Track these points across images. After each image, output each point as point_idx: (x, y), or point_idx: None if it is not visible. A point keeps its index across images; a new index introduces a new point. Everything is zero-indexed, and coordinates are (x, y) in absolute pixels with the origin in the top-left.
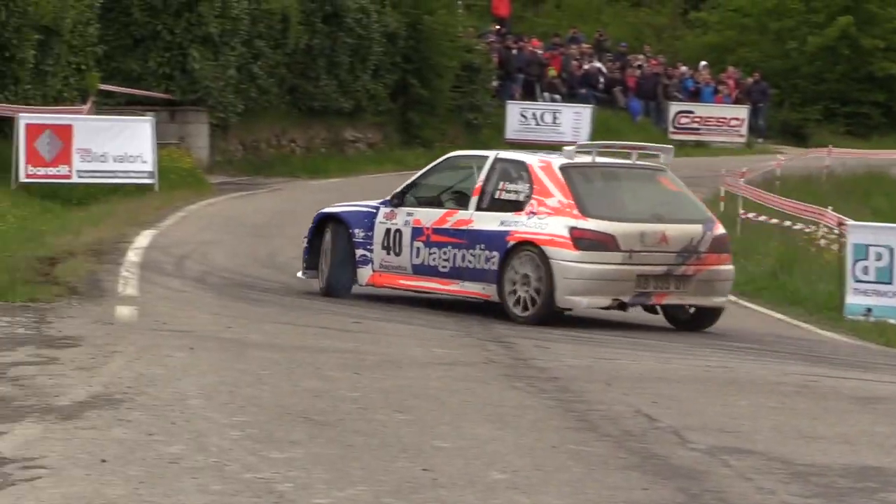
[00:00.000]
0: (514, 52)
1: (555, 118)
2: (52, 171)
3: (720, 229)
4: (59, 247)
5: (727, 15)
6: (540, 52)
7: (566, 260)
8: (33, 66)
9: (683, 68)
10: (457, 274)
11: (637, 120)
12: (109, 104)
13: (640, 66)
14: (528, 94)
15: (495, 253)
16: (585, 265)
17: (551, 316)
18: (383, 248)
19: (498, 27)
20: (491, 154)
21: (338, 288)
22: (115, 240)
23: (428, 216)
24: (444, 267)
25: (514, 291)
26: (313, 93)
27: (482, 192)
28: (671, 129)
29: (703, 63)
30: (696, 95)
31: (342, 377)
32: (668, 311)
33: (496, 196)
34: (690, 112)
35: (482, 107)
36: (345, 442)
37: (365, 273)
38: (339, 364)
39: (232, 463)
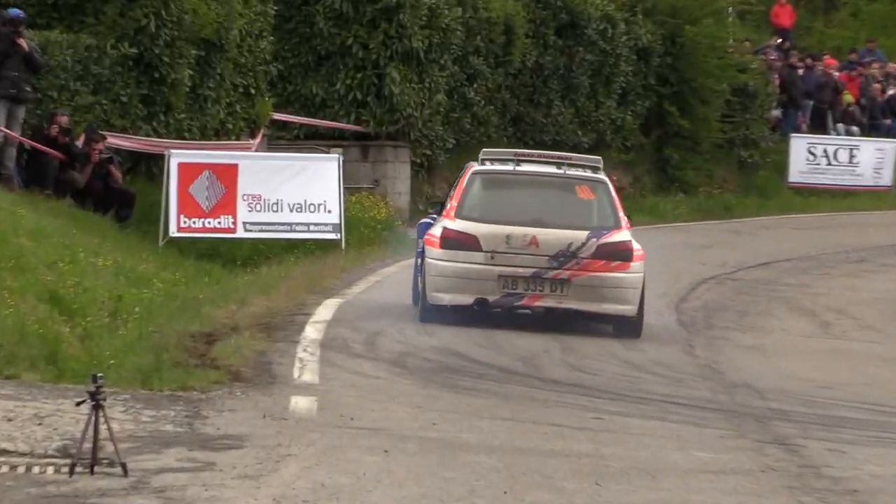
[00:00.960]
0: (801, 71)
1: (851, 156)
2: (211, 222)
3: (616, 237)
4: (219, 319)
5: None
6: (834, 72)
7: (434, 258)
8: (189, 90)
9: None
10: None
11: None
12: (285, 138)
13: None
14: (818, 126)
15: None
16: (448, 263)
17: (432, 313)
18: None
19: (780, 40)
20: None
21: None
22: (289, 311)
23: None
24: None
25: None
26: (543, 123)
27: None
28: None
29: None
30: None
31: (579, 489)
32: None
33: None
34: None
35: (758, 141)
36: None
37: None
38: (574, 471)
39: None
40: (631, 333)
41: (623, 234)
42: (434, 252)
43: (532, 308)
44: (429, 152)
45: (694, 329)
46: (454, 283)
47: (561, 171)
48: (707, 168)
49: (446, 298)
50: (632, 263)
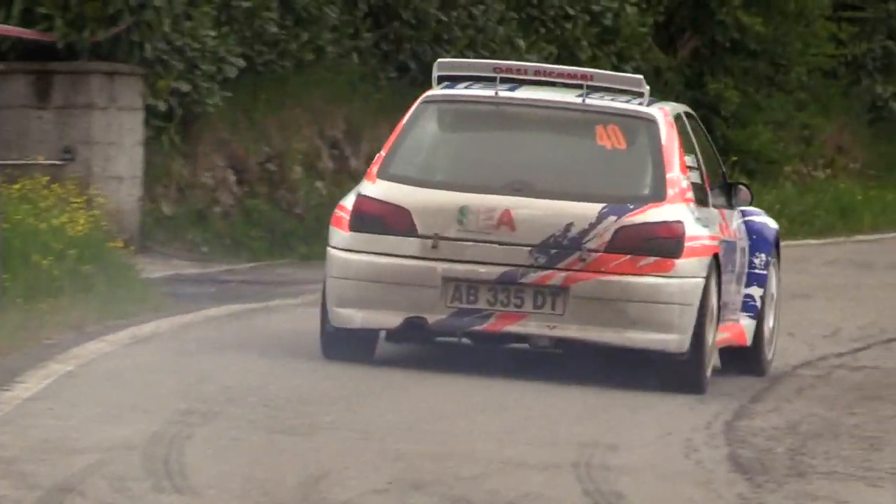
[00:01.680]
0: None
1: None
2: None
3: (652, 214)
4: None
5: None
6: None
7: (336, 246)
8: None
9: None
10: None
11: None
12: None
13: None
14: None
15: None
16: (356, 255)
17: (339, 343)
18: None
19: None
20: None
21: None
22: None
23: None
24: None
25: None
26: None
27: None
28: None
29: None
30: None
31: None
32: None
33: None
34: None
35: None
36: None
37: None
38: None
39: None
40: (682, 386)
41: (667, 210)
42: (339, 237)
43: (500, 335)
44: (188, 88)
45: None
46: (369, 290)
47: (578, 101)
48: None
49: (358, 318)
50: (679, 261)
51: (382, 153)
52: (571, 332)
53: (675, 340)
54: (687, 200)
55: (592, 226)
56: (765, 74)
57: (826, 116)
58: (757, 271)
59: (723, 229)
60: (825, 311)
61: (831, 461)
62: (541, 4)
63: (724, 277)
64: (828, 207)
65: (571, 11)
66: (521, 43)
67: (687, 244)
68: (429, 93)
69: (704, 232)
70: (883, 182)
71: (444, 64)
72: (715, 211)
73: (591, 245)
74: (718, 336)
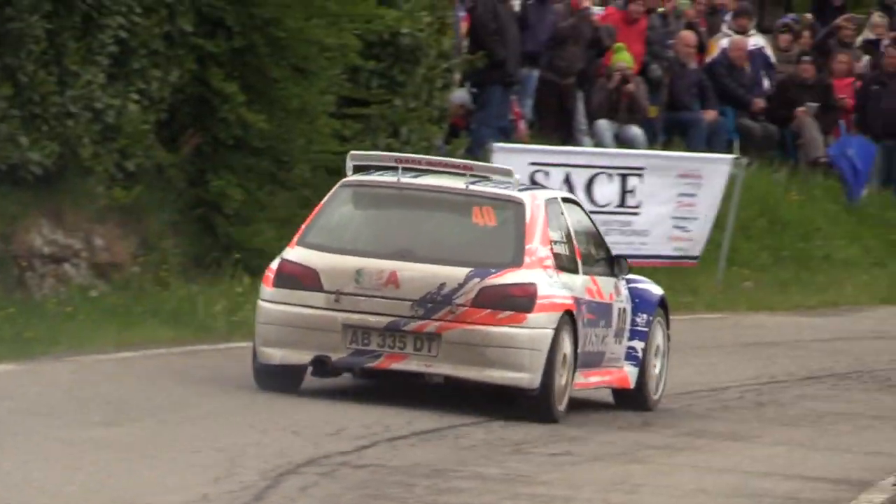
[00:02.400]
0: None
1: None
2: None
3: (509, 277)
4: None
5: None
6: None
7: (264, 299)
8: None
9: None
10: None
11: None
12: None
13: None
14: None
15: None
16: (277, 306)
17: (267, 376)
18: None
19: None
20: None
21: None
22: None
23: None
24: None
25: None
26: None
27: None
28: None
29: None
30: None
31: None
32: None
33: None
34: None
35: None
36: None
37: None
38: None
39: None
40: (535, 416)
41: (522, 274)
42: (266, 292)
43: (388, 371)
44: None
45: None
46: (287, 333)
47: (463, 187)
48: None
49: (277, 356)
50: (530, 315)
51: (303, 227)
52: (445, 369)
53: (527, 378)
54: (545, 267)
55: (461, 285)
56: (268, 171)
57: None
58: (639, 328)
59: (591, 292)
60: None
61: None
62: (43, 102)
63: (591, 330)
64: None
65: (74, 109)
66: (24, 140)
67: (539, 301)
68: (346, 179)
69: (558, 292)
70: None
71: (356, 156)
72: (583, 277)
73: (459, 301)
74: (597, 378)
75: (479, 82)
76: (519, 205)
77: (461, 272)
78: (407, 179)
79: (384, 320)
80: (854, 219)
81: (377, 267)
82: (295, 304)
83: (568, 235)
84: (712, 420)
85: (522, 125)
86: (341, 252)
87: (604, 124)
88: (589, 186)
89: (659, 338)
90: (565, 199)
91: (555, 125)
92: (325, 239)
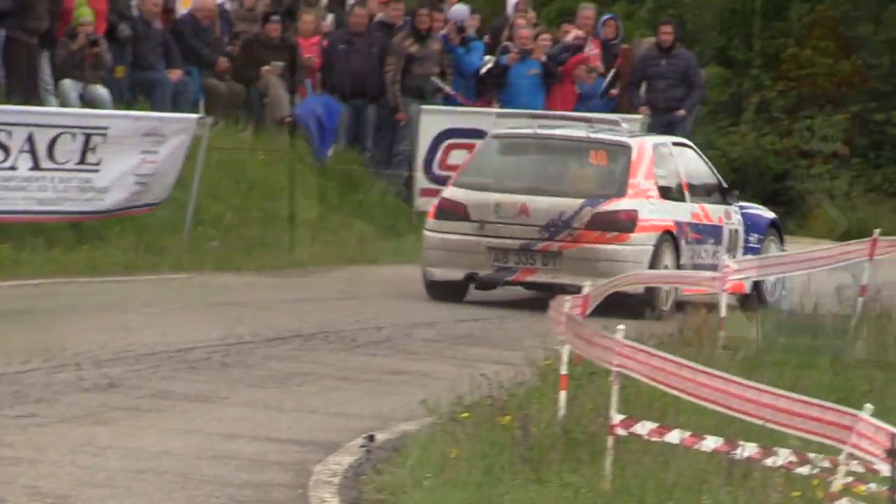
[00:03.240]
0: None
1: None
2: None
3: (615, 205)
4: None
5: None
6: None
7: (428, 230)
8: None
9: None
10: None
11: None
12: None
13: None
14: None
15: None
16: (437, 234)
17: (433, 289)
18: None
19: None
20: None
21: None
22: None
23: None
24: None
25: None
26: None
27: None
28: None
29: None
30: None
31: None
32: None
33: None
34: None
35: None
36: None
37: None
38: None
39: None
40: (642, 311)
41: (626, 202)
42: (429, 223)
43: (524, 284)
44: None
45: None
46: (445, 256)
47: (585, 135)
48: None
49: (437, 273)
50: (633, 235)
51: (458, 171)
52: (567, 280)
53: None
54: (648, 196)
55: (577, 213)
56: None
57: None
58: (752, 245)
59: (697, 217)
60: None
61: None
62: None
63: (699, 247)
64: None
65: None
66: None
67: (640, 223)
68: (493, 131)
69: (659, 216)
70: None
71: (502, 112)
72: (690, 205)
73: (576, 225)
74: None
75: None
76: (626, 148)
77: (577, 202)
78: (542, 130)
79: (518, 242)
80: (321, 179)
81: (511, 200)
82: (449, 232)
83: (675, 172)
84: (178, 381)
85: None
86: (484, 189)
87: (69, 84)
88: (51, 146)
89: (773, 253)
90: (676, 143)
91: (22, 84)
92: (473, 179)
